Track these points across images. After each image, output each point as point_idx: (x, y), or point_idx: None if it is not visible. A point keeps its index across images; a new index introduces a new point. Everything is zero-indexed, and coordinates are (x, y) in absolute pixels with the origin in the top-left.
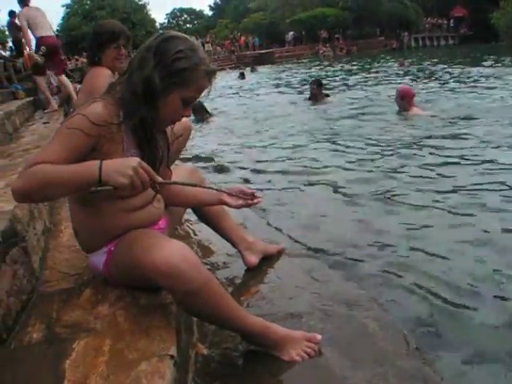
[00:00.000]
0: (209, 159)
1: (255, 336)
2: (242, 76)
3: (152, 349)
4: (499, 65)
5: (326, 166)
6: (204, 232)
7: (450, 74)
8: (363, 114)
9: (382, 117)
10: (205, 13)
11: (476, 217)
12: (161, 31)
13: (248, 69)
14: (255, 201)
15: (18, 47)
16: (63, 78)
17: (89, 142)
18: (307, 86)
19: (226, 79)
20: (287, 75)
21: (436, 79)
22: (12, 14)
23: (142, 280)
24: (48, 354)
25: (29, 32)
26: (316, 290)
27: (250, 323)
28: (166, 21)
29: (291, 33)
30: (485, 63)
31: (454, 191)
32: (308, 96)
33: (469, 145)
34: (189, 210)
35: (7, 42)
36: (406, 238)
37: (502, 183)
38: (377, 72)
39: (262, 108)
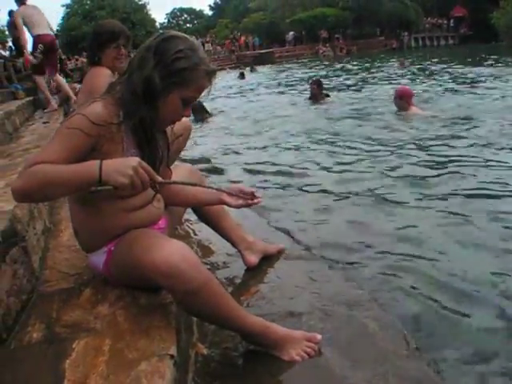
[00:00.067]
0: (209, 159)
1: (255, 336)
2: (242, 76)
3: (152, 348)
4: (499, 65)
5: (326, 167)
6: (204, 232)
7: (450, 73)
8: (363, 113)
9: (382, 117)
10: (205, 13)
11: (475, 218)
12: (161, 31)
13: (248, 69)
14: (255, 200)
15: (18, 47)
16: (58, 77)
17: (89, 141)
18: (307, 86)
19: (226, 79)
20: (287, 75)
21: (436, 79)
22: (12, 13)
23: (141, 280)
24: (48, 353)
25: (25, 30)
26: (316, 289)
27: (250, 323)
28: (166, 21)
29: (291, 33)
30: (485, 63)
31: (453, 192)
32: (308, 96)
33: (468, 145)
34: (189, 210)
35: (7, 42)
36: (406, 238)
37: (502, 184)
38: (377, 72)
39: (262, 108)
